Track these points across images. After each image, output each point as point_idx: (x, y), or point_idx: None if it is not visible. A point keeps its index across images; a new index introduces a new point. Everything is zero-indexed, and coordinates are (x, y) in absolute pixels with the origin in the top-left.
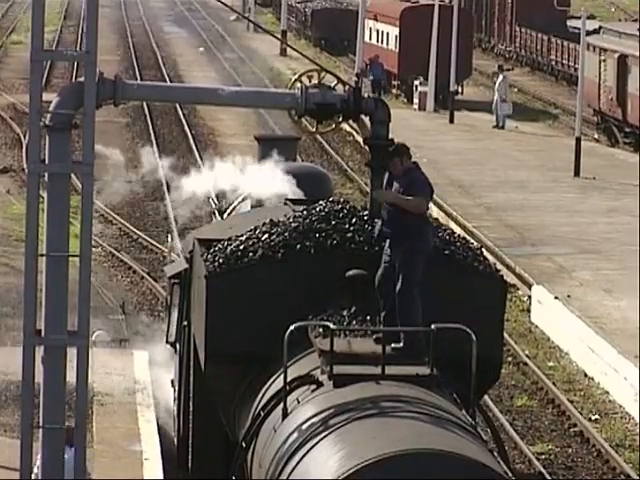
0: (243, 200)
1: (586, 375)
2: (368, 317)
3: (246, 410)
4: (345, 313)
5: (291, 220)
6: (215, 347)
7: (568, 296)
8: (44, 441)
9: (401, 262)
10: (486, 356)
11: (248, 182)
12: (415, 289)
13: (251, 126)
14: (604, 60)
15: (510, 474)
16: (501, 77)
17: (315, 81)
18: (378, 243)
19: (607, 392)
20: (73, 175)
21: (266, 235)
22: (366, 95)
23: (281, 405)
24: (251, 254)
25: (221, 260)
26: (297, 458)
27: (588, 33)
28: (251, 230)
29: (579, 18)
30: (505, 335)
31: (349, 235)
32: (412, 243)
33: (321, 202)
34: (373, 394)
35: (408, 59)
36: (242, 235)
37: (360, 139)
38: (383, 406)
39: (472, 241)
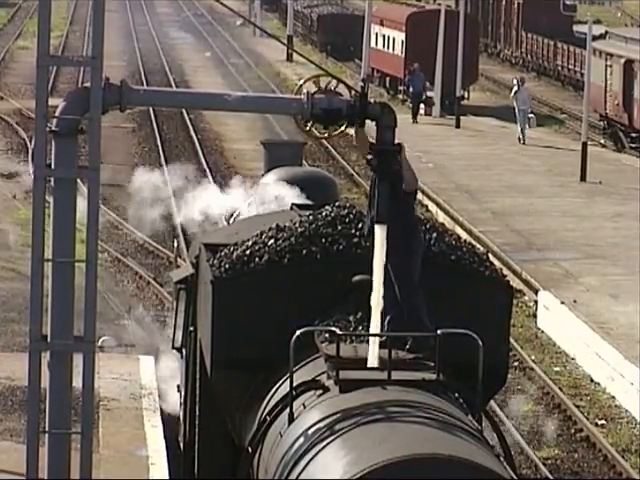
0: (249, 205)
1: (592, 380)
2: None
3: (252, 415)
4: (351, 318)
5: (297, 225)
6: (221, 352)
7: (574, 301)
8: (50, 446)
9: (399, 263)
10: (492, 361)
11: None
12: (418, 289)
13: (257, 131)
14: (610, 65)
15: (517, 479)
16: (515, 88)
17: (322, 85)
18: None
19: (613, 397)
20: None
21: (272, 240)
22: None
23: (287, 410)
24: (257, 259)
25: (227, 265)
26: (303, 463)
27: (594, 38)
28: (257, 235)
29: (585, 23)
30: (511, 340)
31: (355, 240)
32: (407, 241)
33: (327, 207)
34: (379, 399)
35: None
36: (248, 240)
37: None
38: (389, 411)
39: (478, 246)
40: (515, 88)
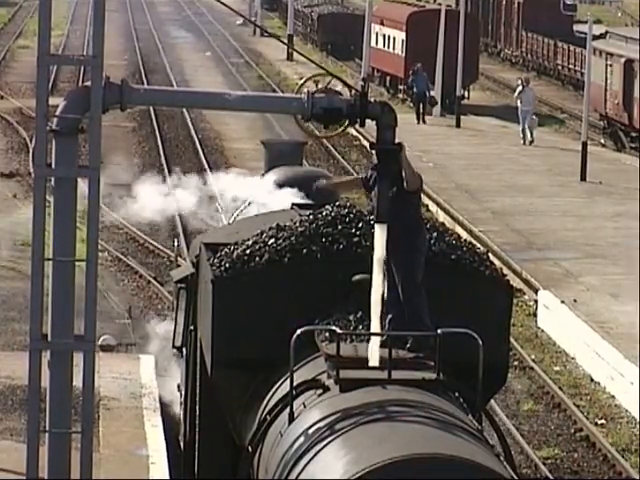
0: (249, 204)
1: (592, 380)
2: None
3: (252, 414)
4: (351, 318)
5: (297, 224)
6: (221, 352)
7: (574, 301)
8: (50, 445)
9: (402, 262)
10: (492, 361)
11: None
12: (421, 289)
13: (257, 130)
14: (610, 65)
15: (517, 479)
16: (520, 88)
17: (322, 85)
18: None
19: (613, 397)
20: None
21: (272, 239)
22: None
23: (287, 409)
24: (257, 259)
25: (227, 265)
26: (303, 462)
27: (594, 38)
28: (257, 234)
29: (585, 23)
30: (511, 339)
31: (355, 240)
32: (410, 240)
33: (327, 207)
34: (379, 398)
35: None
36: (248, 239)
37: (366, 143)
38: (390, 410)
39: (478, 246)
40: (520, 88)
